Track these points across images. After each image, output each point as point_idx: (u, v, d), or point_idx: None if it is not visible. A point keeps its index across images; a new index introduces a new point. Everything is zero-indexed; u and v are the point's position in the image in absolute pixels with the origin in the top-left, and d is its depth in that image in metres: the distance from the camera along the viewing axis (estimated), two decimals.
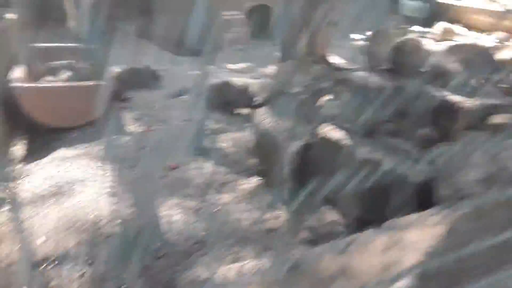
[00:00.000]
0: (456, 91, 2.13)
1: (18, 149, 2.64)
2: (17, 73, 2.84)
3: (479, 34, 4.74)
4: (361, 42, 4.53)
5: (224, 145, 2.60)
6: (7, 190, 2.18)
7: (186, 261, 1.67)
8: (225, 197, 2.09)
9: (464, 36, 4.65)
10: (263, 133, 2.28)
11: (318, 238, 1.75)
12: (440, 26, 4.72)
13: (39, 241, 1.79)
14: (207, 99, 3.03)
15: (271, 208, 1.93)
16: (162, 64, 3.98)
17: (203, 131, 2.62)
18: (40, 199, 2.08)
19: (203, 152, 2.45)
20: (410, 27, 5.09)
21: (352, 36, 5.12)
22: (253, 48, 5.01)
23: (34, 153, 2.54)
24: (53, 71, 3.17)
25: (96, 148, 2.53)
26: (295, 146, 1.97)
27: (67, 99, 2.70)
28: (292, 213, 1.87)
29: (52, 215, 1.93)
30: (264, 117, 2.30)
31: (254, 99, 2.96)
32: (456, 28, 4.88)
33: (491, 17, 4.81)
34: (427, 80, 2.17)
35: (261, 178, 2.18)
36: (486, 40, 4.31)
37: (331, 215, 1.84)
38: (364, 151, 1.75)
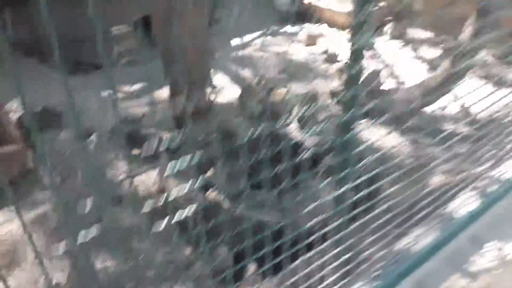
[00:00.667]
0: None
1: None
2: None
3: (339, 31, 5.67)
4: (243, 52, 5.16)
5: (138, 189, 3.08)
6: None
7: None
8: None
9: (327, 37, 5.52)
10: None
11: None
12: (305, 32, 5.52)
13: None
14: (115, 138, 3.44)
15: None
16: (61, 94, 4.14)
17: (115, 177, 3.08)
18: None
19: (117, 202, 2.93)
20: (282, 29, 5.82)
21: (234, 41, 5.68)
22: (144, 62, 5.23)
23: None
24: None
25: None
26: None
27: None
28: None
29: None
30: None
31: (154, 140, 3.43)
32: (320, 27, 5.75)
33: (347, 16, 5.72)
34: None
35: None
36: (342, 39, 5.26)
37: None
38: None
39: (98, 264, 2.50)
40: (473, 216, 1.52)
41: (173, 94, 3.14)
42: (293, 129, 2.88)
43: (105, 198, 2.93)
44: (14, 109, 3.83)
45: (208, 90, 2.96)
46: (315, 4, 6.00)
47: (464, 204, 1.62)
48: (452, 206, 1.62)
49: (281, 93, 3.20)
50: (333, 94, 4.00)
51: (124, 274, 2.42)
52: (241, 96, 3.16)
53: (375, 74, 3.68)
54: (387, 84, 4.02)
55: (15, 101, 3.97)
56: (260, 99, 3.06)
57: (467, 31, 3.16)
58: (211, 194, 2.42)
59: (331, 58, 4.64)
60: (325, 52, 4.83)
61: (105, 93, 4.24)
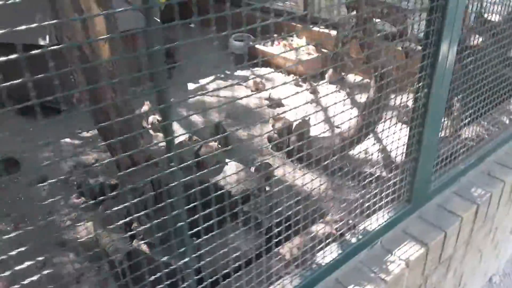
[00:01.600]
0: None
1: None
2: None
3: (285, 76, 6.19)
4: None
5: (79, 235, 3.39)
6: None
7: None
8: None
9: (273, 82, 6.04)
10: None
11: None
12: (252, 77, 6.03)
13: None
14: (66, 185, 3.76)
15: None
16: (19, 138, 4.46)
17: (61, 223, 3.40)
18: None
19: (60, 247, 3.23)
20: (234, 72, 6.31)
21: (190, 85, 6.12)
22: None
23: None
24: None
25: None
26: None
27: None
28: None
29: None
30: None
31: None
32: (268, 72, 6.27)
33: (291, 62, 6.28)
34: None
35: None
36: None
37: None
38: None
39: None
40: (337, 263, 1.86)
41: (109, 147, 3.50)
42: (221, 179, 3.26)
43: (50, 243, 3.24)
44: None
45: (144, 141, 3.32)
46: (263, 49, 6.53)
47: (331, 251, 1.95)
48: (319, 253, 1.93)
49: (211, 147, 3.62)
50: (269, 139, 4.45)
51: None
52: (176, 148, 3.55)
53: (305, 122, 4.15)
54: (318, 129, 4.51)
55: None
56: (193, 151, 3.46)
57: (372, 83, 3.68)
58: (135, 242, 2.78)
59: (275, 104, 5.12)
60: (268, 98, 5.32)
61: (63, 139, 4.58)
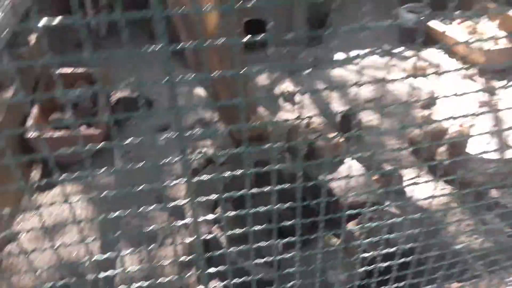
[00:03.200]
0: None
1: (32, 180, 3.52)
2: (33, 111, 3.66)
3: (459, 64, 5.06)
4: None
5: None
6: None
7: None
8: None
9: (441, 69, 4.97)
10: None
11: None
12: (414, 59, 5.07)
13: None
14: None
15: None
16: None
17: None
18: (40, 235, 2.98)
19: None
20: (396, 49, 5.41)
21: (338, 55, 5.47)
22: None
23: (43, 187, 3.42)
24: (62, 107, 3.95)
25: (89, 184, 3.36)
26: None
27: (72, 144, 3.51)
28: None
29: (45, 253, 2.84)
30: None
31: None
32: (438, 56, 5.19)
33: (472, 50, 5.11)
34: None
35: None
36: None
37: None
38: None
39: None
40: None
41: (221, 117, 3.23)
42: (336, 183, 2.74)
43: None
44: (115, 92, 4.39)
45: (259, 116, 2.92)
46: (438, 28, 5.38)
47: None
48: None
49: (333, 143, 3.04)
50: (412, 142, 3.64)
51: None
52: (288, 135, 3.10)
53: (462, 133, 3.24)
54: (482, 144, 3.50)
55: (123, 83, 4.53)
56: (307, 141, 2.96)
57: None
58: (216, 229, 2.49)
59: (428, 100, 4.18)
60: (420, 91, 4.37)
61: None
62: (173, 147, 3.67)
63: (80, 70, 4.27)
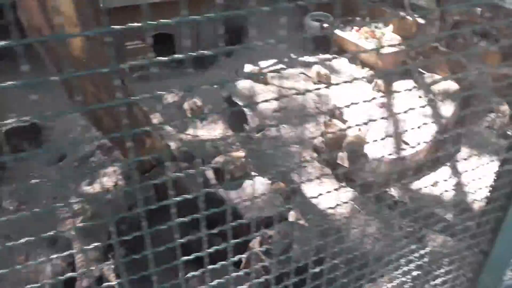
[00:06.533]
0: None
1: None
2: None
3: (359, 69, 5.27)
4: None
5: None
6: None
7: None
8: None
9: (340, 74, 5.16)
10: None
11: None
12: (316, 67, 5.22)
13: None
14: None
15: None
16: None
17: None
18: None
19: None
20: (302, 58, 5.52)
21: (247, 66, 5.48)
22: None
23: None
24: None
25: None
26: None
27: None
28: None
29: None
30: None
31: None
32: (340, 61, 5.39)
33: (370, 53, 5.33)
34: None
35: None
36: None
37: None
38: None
39: None
40: None
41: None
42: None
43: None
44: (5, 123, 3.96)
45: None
46: (341, 35, 5.61)
47: None
48: None
49: (238, 156, 2.98)
50: (315, 150, 3.70)
51: None
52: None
53: (359, 138, 3.34)
54: (380, 145, 3.64)
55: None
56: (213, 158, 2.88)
57: None
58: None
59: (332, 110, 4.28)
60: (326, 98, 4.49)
61: None
62: (70, 177, 3.39)
63: None
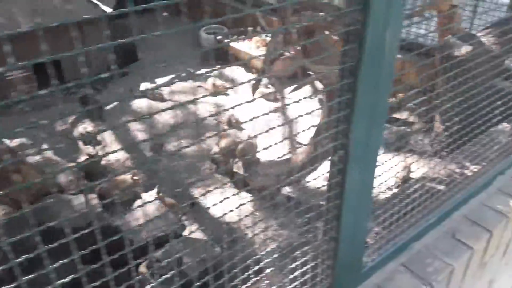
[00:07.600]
0: None
1: None
2: None
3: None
4: None
5: None
6: None
7: None
8: None
9: (235, 83, 5.33)
10: None
11: None
12: (212, 79, 5.35)
13: None
14: None
15: None
16: None
17: None
18: None
19: None
20: (199, 71, 5.61)
21: (143, 85, 5.42)
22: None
23: None
24: None
25: None
26: None
27: None
28: None
29: None
30: None
31: None
32: (234, 71, 5.56)
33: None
34: None
35: None
36: None
37: None
38: None
39: None
40: None
41: None
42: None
43: None
44: None
45: None
46: (234, 45, 5.80)
47: None
48: None
49: (124, 180, 2.96)
50: (213, 161, 3.78)
51: None
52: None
53: (250, 145, 3.48)
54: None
55: None
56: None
57: None
58: None
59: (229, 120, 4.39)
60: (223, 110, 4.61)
61: None
62: None
63: None
